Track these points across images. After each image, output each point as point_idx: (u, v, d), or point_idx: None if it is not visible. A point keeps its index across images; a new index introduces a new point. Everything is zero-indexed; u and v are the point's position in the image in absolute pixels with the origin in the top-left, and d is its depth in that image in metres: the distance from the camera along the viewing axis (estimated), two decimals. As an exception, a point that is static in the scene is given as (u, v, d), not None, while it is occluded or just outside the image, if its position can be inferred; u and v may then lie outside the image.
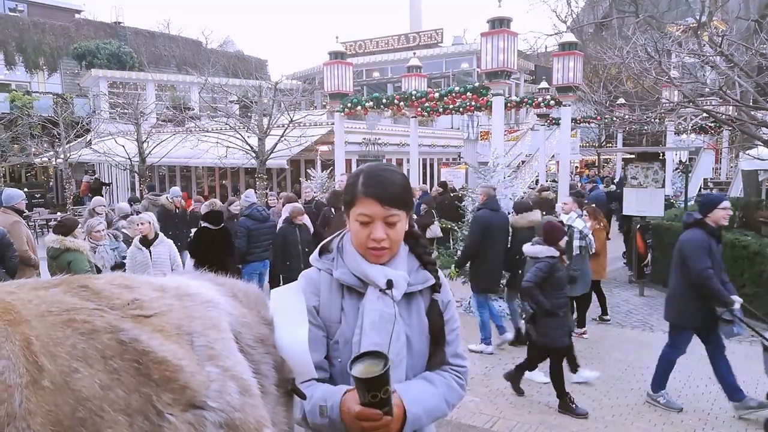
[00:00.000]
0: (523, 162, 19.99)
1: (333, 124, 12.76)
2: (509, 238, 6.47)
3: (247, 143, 12.99)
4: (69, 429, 0.69)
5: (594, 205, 7.91)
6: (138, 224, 5.88)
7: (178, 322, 0.92)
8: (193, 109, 20.16)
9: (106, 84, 22.20)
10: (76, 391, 0.72)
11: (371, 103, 11.25)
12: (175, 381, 0.82)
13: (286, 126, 13.20)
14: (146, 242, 5.79)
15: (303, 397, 1.13)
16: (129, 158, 16.03)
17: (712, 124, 15.76)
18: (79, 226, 5.74)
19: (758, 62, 8.31)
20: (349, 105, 11.15)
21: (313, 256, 1.69)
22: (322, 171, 12.63)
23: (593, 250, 6.47)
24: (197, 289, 1.01)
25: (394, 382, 1.42)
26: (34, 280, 0.89)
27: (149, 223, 5.83)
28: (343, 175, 9.95)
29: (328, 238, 1.73)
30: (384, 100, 11.30)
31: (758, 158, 8.45)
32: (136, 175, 16.94)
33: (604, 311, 7.34)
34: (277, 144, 12.98)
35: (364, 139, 16.91)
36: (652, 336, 6.63)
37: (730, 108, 9.04)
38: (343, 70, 11.05)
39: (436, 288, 1.64)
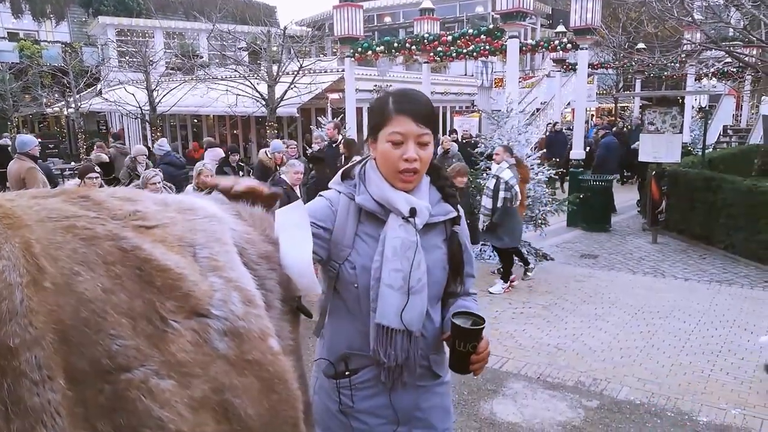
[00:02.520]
0: (537, 109, 19.59)
1: (343, 70, 12.51)
2: None
3: (257, 90, 12.83)
4: (72, 328, 0.70)
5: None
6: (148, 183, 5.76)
7: (180, 234, 0.91)
8: (202, 57, 19.86)
9: (114, 32, 21.86)
10: (78, 293, 0.72)
11: (382, 47, 10.97)
12: (178, 289, 0.82)
13: (295, 73, 12.99)
14: None
15: (309, 315, 1.14)
16: (140, 107, 15.95)
17: (734, 69, 15.24)
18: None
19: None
20: (359, 50, 10.89)
21: (335, 180, 1.68)
22: (333, 118, 12.48)
23: (517, 202, 6.18)
24: (200, 204, 1.00)
25: (419, 308, 1.56)
26: (33, 189, 0.89)
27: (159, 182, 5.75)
28: (321, 129, 9.79)
29: (350, 164, 1.72)
30: (395, 44, 11.02)
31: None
32: (147, 124, 16.89)
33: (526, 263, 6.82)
34: (286, 91, 12.81)
35: (375, 86, 16.61)
36: (664, 282, 6.64)
37: (754, 51, 8.71)
38: (353, 14, 10.74)
39: (456, 221, 1.65)
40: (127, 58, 19.90)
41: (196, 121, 20.90)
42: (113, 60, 20.73)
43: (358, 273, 1.56)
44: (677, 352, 4.71)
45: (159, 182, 6.07)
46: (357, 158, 1.78)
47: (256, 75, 13.46)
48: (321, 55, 19.23)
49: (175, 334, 0.81)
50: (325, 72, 15.64)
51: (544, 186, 7.59)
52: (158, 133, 15.95)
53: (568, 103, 19.39)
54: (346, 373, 1.60)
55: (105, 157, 9.10)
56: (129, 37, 21.04)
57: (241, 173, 7.09)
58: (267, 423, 0.88)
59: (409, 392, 1.61)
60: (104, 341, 0.73)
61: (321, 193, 1.67)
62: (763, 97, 11.70)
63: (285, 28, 14.08)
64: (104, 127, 23.98)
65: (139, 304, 0.79)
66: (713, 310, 5.64)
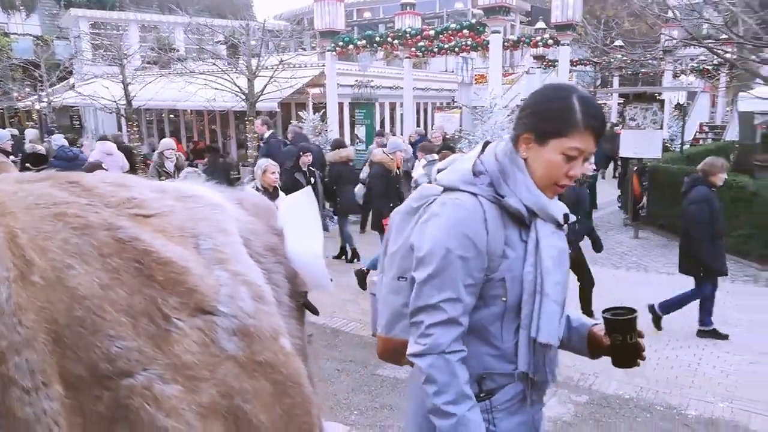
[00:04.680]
0: (518, 106, 19.71)
1: (324, 65, 12.38)
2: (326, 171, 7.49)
3: (236, 85, 12.64)
4: (66, 328, 0.61)
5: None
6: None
7: (181, 224, 0.83)
8: (179, 51, 19.51)
9: (87, 24, 21.36)
10: (71, 289, 0.64)
11: (364, 41, 10.89)
12: (181, 284, 0.74)
13: (275, 67, 12.82)
14: None
15: (315, 312, 1.07)
16: (115, 101, 15.60)
17: (710, 67, 15.50)
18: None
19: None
20: (340, 44, 10.79)
21: (460, 178, 1.45)
22: (314, 114, 12.35)
23: None
24: (200, 191, 0.92)
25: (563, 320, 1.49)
26: (17, 173, 0.79)
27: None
28: (302, 123, 9.70)
29: (466, 158, 1.52)
30: (377, 38, 10.95)
31: (759, 97, 8.31)
32: (123, 118, 16.54)
33: None
34: (266, 86, 12.64)
35: (357, 81, 16.51)
36: (647, 276, 6.70)
37: (732, 48, 8.83)
38: (334, 7, 10.63)
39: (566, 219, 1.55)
40: (101, 51, 19.45)
41: (173, 116, 20.54)
42: (87, 53, 20.26)
43: (508, 285, 1.41)
44: (663, 347, 4.74)
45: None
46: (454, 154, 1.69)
47: (234, 69, 13.25)
48: (300, 50, 19.04)
49: (180, 333, 0.73)
50: (306, 67, 15.49)
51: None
52: (134, 128, 15.62)
53: (548, 100, 19.51)
54: (482, 395, 1.45)
55: (40, 148, 8.95)
56: (103, 30, 20.58)
57: (312, 180, 6.63)
58: (280, 430, 0.81)
59: (538, 407, 1.54)
60: (102, 343, 0.65)
61: (451, 199, 1.44)
62: (739, 94, 11.90)
63: (264, 21, 13.89)
64: (78, 122, 23.44)
65: (140, 300, 0.71)
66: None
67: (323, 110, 12.26)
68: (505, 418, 1.46)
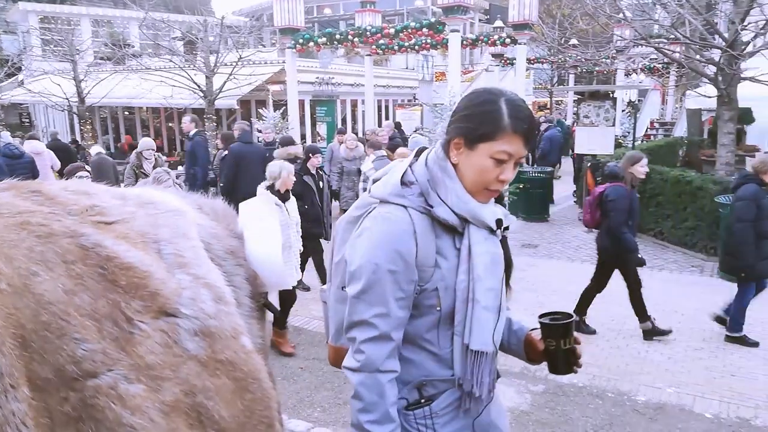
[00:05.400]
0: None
1: (284, 62, 12.30)
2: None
3: (194, 82, 12.43)
4: (32, 333, 0.64)
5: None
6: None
7: (143, 230, 0.86)
8: (134, 46, 19.01)
9: (36, 19, 20.58)
10: (37, 295, 0.66)
11: (325, 39, 10.87)
12: (144, 288, 0.78)
13: (234, 64, 12.66)
14: None
15: (276, 311, 1.11)
16: (67, 99, 15.10)
17: (660, 65, 16.08)
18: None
19: (709, 1, 8.41)
20: (300, 41, 10.74)
21: (392, 191, 1.44)
22: (275, 111, 12.27)
23: None
24: (161, 197, 0.95)
25: (503, 326, 1.51)
26: (-23, 184, 0.81)
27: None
28: (240, 122, 9.51)
29: (398, 167, 1.50)
30: (338, 36, 10.94)
31: (704, 96, 8.69)
32: (75, 116, 16.03)
33: None
34: (225, 83, 12.48)
35: (318, 78, 16.45)
36: (600, 268, 6.93)
37: (679, 47, 9.19)
38: (294, 4, 10.57)
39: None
40: (51, 46, 18.78)
41: (128, 113, 20.02)
42: (36, 48, 19.52)
43: (441, 294, 1.41)
44: (615, 336, 4.93)
45: (171, 185, 5.58)
46: (401, 156, 1.68)
47: (192, 66, 13.02)
48: (260, 46, 18.84)
49: (143, 335, 0.76)
50: (266, 63, 15.34)
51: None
52: (88, 126, 15.17)
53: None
54: (422, 401, 1.46)
55: None
56: (53, 25, 19.86)
57: (321, 183, 6.26)
58: (242, 424, 0.85)
59: (485, 409, 1.54)
60: (68, 346, 0.68)
61: (379, 213, 1.44)
62: (687, 92, 12.39)
63: (222, 17, 13.69)
64: (27, 120, 22.57)
65: (104, 304, 0.74)
66: (645, 295, 5.93)
67: (284, 107, 12.18)
68: (445, 424, 1.47)
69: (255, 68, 14.34)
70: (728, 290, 4.97)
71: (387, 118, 20.16)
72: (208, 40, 12.69)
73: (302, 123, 13.59)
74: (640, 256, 4.99)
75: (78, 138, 14.66)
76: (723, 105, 7.88)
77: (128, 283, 0.74)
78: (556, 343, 1.43)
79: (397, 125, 13.04)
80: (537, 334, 1.50)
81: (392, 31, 10.44)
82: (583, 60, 15.27)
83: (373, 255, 1.36)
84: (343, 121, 18.17)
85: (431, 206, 1.41)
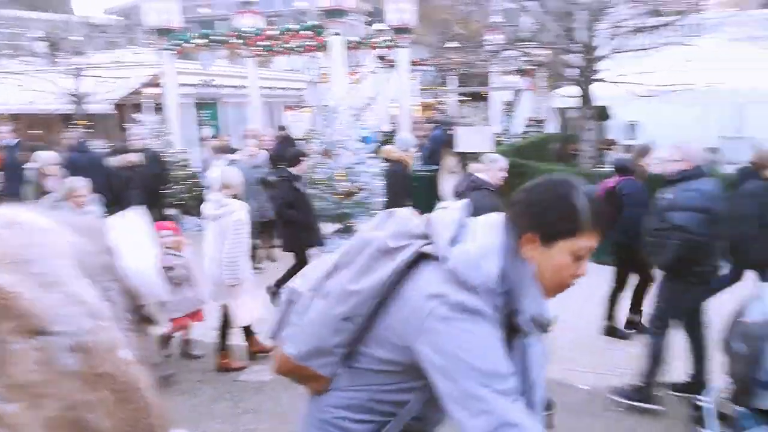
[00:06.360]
0: (367, 105, 20.28)
1: (161, 64, 11.74)
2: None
3: (58, 86, 11.53)
4: None
5: None
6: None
7: (10, 251, 0.85)
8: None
9: None
10: None
11: (202, 40, 10.52)
12: (13, 309, 0.77)
13: (106, 66, 11.90)
14: None
15: (156, 323, 1.13)
16: None
17: (531, 67, 17.32)
18: None
19: (567, 9, 9.20)
20: (177, 42, 10.32)
21: (485, 280, 1.29)
22: (154, 116, 11.68)
23: None
24: (27, 216, 0.94)
25: None
26: None
27: None
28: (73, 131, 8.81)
29: (483, 231, 1.37)
30: (217, 38, 10.65)
31: (566, 96, 9.52)
32: None
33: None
34: (96, 86, 11.69)
35: (200, 80, 15.86)
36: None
37: (547, 51, 9.98)
38: (168, 2, 10.13)
39: None
40: None
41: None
42: None
43: None
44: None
45: (86, 196, 4.94)
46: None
47: (56, 68, 12.06)
48: (134, 47, 17.79)
49: (18, 355, 0.76)
50: (142, 65, 14.54)
51: (377, 178, 7.93)
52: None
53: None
54: None
55: None
56: None
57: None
58: (125, 433, 0.87)
59: None
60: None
61: (469, 305, 1.29)
62: (552, 92, 13.48)
63: (88, 16, 12.80)
64: None
65: (-29, 329, 0.73)
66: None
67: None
68: None
69: (130, 70, 13.57)
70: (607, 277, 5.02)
71: (276, 121, 19.90)
72: (71, 40, 11.82)
73: (186, 127, 13.05)
74: None
75: None
76: (582, 104, 8.68)
77: (-3, 306, 0.74)
78: None
79: (282, 128, 12.90)
80: None
81: (274, 32, 10.35)
82: (461, 63, 16.09)
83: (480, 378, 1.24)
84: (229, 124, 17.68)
85: (516, 312, 1.31)
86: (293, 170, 5.68)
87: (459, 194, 4.80)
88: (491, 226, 1.39)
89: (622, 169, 4.86)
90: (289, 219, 5.45)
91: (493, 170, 4.72)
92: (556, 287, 1.38)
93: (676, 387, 3.96)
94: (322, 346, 1.46)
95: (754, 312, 2.36)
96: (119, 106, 14.76)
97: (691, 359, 3.87)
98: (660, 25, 9.33)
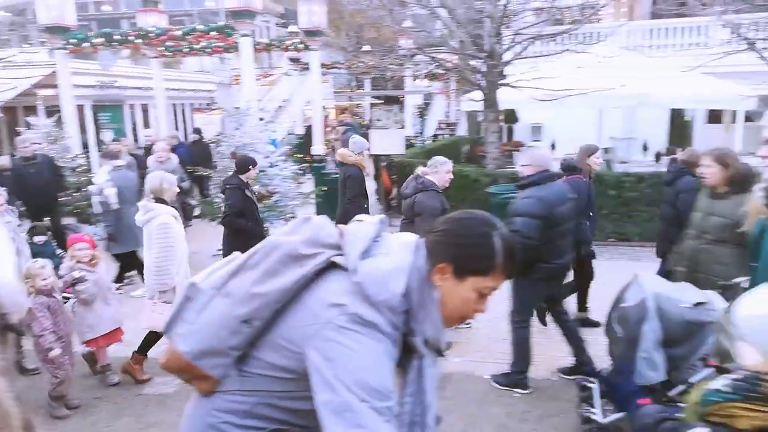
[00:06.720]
0: (281, 107, 20.02)
1: (55, 64, 11.00)
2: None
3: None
4: None
5: None
6: None
7: None
8: None
9: None
10: None
11: (101, 39, 9.97)
12: None
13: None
14: None
15: (21, 333, 1.07)
16: None
17: (441, 72, 17.83)
18: None
19: (473, 17, 9.56)
20: (73, 41, 9.71)
21: (389, 297, 1.31)
22: (48, 118, 10.90)
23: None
24: None
25: None
26: None
27: None
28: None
29: (393, 253, 1.38)
30: (117, 37, 10.13)
31: (473, 100, 9.87)
32: None
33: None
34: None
35: (99, 81, 14.99)
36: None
37: (455, 57, 10.31)
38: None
39: None
40: None
41: None
42: None
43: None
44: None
45: (2, 203, 4.77)
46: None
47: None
48: (25, 45, 16.56)
49: None
50: (33, 65, 13.54)
51: (290, 181, 7.86)
52: None
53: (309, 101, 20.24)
54: None
55: None
56: None
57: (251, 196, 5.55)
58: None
59: None
60: None
61: (366, 318, 1.30)
62: (462, 96, 13.95)
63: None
64: None
65: None
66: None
67: (58, 114, 10.90)
68: None
69: (20, 70, 12.60)
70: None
71: (185, 123, 19.20)
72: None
73: (83, 131, 12.31)
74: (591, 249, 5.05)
75: None
76: (488, 108, 9.05)
77: None
78: None
79: (197, 131, 12.51)
80: None
81: (179, 33, 9.99)
82: (374, 66, 16.29)
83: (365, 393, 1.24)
84: (134, 127, 16.85)
85: (413, 331, 1.36)
86: (243, 177, 5.45)
87: (406, 196, 4.92)
88: (406, 246, 1.42)
89: (569, 168, 4.99)
90: (238, 228, 5.28)
91: (440, 173, 4.87)
92: (456, 318, 1.44)
93: (564, 370, 4.24)
94: (217, 347, 1.44)
95: (630, 297, 2.58)
96: (7, 108, 13.67)
97: (570, 345, 4.16)
98: (558, 33, 9.92)
